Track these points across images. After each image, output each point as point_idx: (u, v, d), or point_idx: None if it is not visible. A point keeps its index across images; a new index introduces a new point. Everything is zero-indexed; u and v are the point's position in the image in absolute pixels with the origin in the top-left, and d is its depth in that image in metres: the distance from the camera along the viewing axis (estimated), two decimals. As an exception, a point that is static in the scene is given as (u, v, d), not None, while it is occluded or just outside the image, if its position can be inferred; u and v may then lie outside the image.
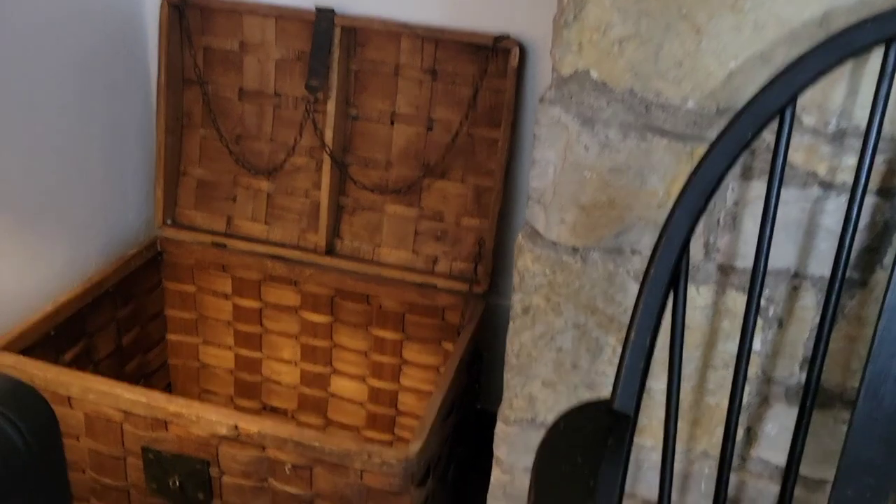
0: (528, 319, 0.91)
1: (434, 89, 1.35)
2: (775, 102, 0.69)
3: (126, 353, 1.46)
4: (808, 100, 0.75)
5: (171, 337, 1.57)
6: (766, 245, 0.73)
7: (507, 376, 0.95)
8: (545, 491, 0.61)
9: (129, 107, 1.46)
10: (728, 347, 0.86)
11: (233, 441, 1.07)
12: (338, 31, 1.34)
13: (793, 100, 0.69)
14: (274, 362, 1.55)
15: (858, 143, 0.74)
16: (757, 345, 0.85)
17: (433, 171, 1.38)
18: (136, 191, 1.52)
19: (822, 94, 0.75)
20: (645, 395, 0.81)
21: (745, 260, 0.82)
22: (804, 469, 0.85)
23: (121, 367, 1.45)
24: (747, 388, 0.86)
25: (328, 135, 1.39)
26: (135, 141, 1.49)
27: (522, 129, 1.34)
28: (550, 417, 0.94)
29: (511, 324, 0.92)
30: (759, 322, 0.84)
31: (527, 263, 0.89)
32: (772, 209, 0.73)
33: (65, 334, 1.30)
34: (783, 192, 0.75)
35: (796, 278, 0.82)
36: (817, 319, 0.78)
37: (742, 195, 0.80)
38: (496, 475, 1.01)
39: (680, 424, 0.88)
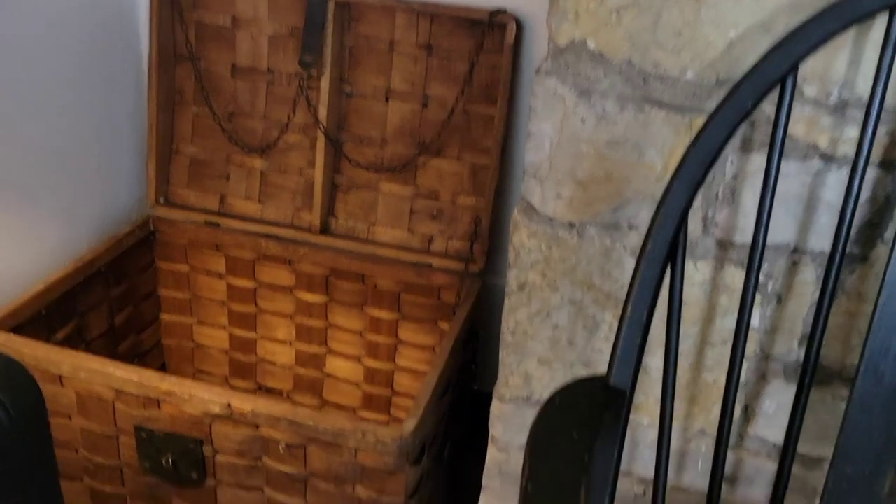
0: (523, 296, 0.90)
1: (429, 65, 1.34)
2: (776, 71, 0.68)
3: (119, 333, 1.45)
4: (809, 70, 0.73)
5: (165, 317, 1.56)
6: (765, 219, 0.72)
7: (502, 354, 0.94)
8: (540, 467, 0.60)
9: (120, 84, 1.44)
10: (726, 324, 0.85)
11: (226, 420, 1.06)
12: (331, 6, 1.32)
13: (794, 68, 0.68)
14: (269, 342, 1.54)
15: (860, 115, 0.72)
16: (755, 321, 0.84)
17: (429, 148, 1.37)
18: (129, 169, 1.50)
19: (823, 64, 0.73)
20: (642, 373, 0.80)
21: (744, 234, 0.81)
22: (802, 447, 0.84)
23: (114, 347, 1.44)
24: (745, 365, 0.85)
25: (322, 112, 1.37)
26: (126, 119, 1.47)
27: (519, 106, 1.32)
28: (546, 395, 0.93)
29: (506, 300, 0.91)
30: (758, 298, 0.83)
31: (522, 239, 0.87)
32: (772, 182, 0.71)
33: (56, 313, 1.29)
34: (783, 164, 0.74)
35: (796, 253, 0.81)
36: (817, 295, 0.77)
37: (741, 168, 0.79)
38: (492, 454, 1.00)
39: (677, 402, 0.87)
